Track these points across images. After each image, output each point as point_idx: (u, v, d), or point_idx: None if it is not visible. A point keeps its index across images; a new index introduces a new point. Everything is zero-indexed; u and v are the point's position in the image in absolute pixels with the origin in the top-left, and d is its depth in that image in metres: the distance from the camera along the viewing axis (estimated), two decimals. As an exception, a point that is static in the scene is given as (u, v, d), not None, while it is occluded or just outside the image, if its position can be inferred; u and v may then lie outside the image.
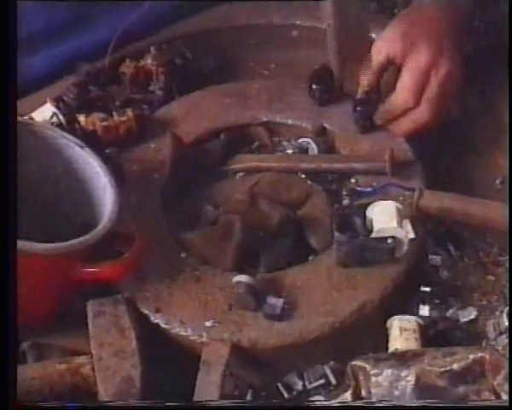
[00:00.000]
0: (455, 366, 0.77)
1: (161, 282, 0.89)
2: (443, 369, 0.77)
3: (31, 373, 0.83)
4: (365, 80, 1.05)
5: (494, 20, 1.22)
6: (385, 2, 1.32)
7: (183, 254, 0.92)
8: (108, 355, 0.83)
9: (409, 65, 1.02)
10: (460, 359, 0.77)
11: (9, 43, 0.79)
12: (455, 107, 1.07)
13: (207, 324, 0.85)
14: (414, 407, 0.75)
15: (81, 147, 0.94)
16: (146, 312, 0.87)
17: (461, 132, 1.08)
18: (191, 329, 0.85)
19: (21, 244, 0.80)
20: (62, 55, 1.17)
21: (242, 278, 0.85)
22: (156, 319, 0.87)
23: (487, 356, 0.76)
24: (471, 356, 0.77)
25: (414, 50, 1.02)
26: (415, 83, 1.01)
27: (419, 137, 1.03)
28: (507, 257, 0.95)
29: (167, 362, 0.85)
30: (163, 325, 0.86)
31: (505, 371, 0.75)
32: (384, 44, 1.04)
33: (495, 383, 0.75)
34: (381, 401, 0.77)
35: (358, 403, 0.77)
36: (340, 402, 0.77)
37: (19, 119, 0.93)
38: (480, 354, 0.77)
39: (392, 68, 1.05)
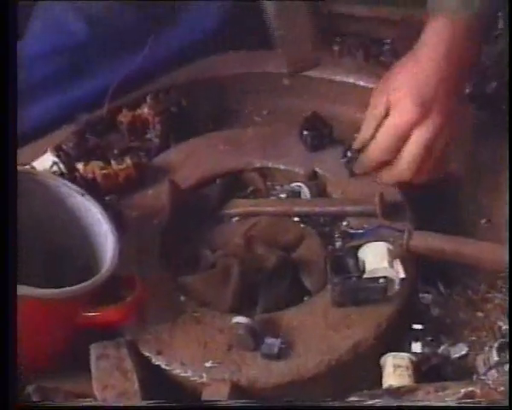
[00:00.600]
0: (447, 400, 0.80)
1: (162, 324, 0.92)
2: (436, 404, 0.80)
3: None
4: (366, 133, 1.04)
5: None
6: (371, 50, 1.37)
7: (182, 298, 0.95)
8: (112, 397, 0.86)
9: (390, 121, 1.01)
10: (452, 393, 0.80)
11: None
12: (455, 163, 1.08)
13: (207, 364, 0.88)
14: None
15: (82, 195, 0.98)
16: (147, 354, 0.90)
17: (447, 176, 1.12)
18: (192, 370, 0.88)
19: (25, 290, 0.83)
20: (61, 105, 1.20)
21: (241, 319, 0.88)
22: (158, 360, 0.89)
23: (478, 390, 0.79)
24: (462, 390, 0.80)
25: (398, 106, 1.00)
26: (390, 141, 1.00)
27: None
28: (495, 294, 0.99)
29: (169, 403, 0.88)
30: (164, 367, 0.89)
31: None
32: (379, 96, 1.03)
33: (486, 416, 0.79)
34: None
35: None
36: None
37: (22, 168, 0.97)
38: (470, 389, 0.80)
39: None
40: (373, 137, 1.03)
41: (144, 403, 0.84)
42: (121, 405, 0.83)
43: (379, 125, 1.03)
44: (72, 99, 1.21)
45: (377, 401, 0.81)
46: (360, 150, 1.06)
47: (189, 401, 0.87)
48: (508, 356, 0.90)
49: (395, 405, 0.79)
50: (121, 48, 1.20)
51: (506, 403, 0.77)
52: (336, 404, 0.83)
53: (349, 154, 1.07)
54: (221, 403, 0.83)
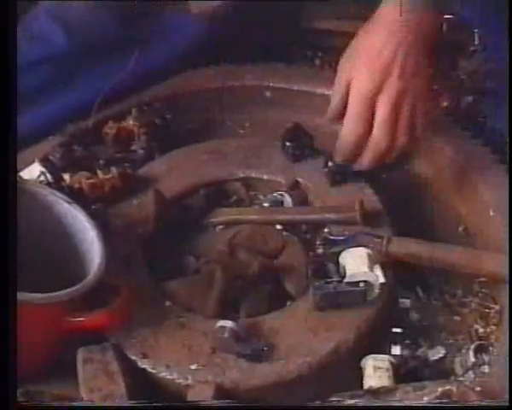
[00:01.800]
0: (425, 399, 0.82)
1: (147, 329, 0.94)
2: (414, 402, 0.82)
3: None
4: (333, 106, 1.06)
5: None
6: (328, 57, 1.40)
7: (167, 303, 0.97)
8: (98, 400, 0.87)
9: (352, 93, 1.01)
10: (429, 392, 0.83)
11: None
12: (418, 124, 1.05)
13: (192, 367, 0.90)
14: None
15: (69, 203, 1.00)
16: (133, 357, 0.92)
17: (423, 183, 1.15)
18: (177, 372, 0.90)
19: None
20: (46, 116, 1.22)
21: (225, 322, 0.90)
22: (143, 364, 0.91)
23: (454, 389, 0.82)
24: (439, 389, 0.82)
25: (357, 77, 1.01)
26: (357, 111, 1.01)
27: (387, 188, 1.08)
28: (471, 298, 1.02)
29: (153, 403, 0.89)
30: (150, 370, 0.91)
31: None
32: (340, 72, 1.04)
33: (462, 413, 0.81)
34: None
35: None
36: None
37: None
38: (447, 387, 0.82)
39: None
40: (339, 109, 1.04)
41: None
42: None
43: (343, 99, 1.04)
44: (56, 110, 1.22)
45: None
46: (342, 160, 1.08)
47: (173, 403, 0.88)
48: (486, 358, 0.93)
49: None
50: (104, 59, 1.22)
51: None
52: (318, 404, 0.85)
53: (330, 164, 1.10)
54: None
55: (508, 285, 0.96)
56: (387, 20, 1.01)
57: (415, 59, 1.01)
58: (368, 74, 1.00)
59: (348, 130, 1.04)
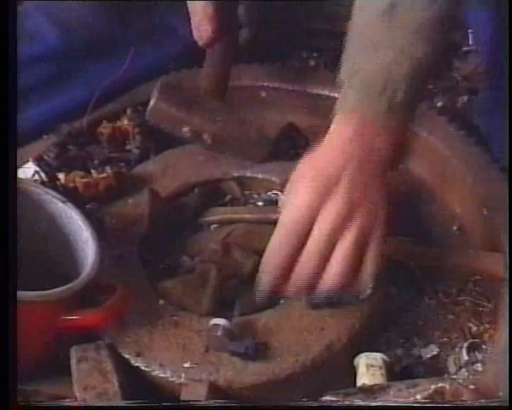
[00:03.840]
0: (418, 397, 0.82)
1: (141, 328, 0.94)
2: (407, 400, 0.82)
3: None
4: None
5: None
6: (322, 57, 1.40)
7: (161, 302, 0.97)
8: (92, 398, 0.87)
9: (285, 212, 0.90)
10: (422, 390, 0.83)
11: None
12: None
13: (186, 365, 0.90)
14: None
15: (63, 202, 1.00)
16: (127, 356, 0.91)
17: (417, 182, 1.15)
18: (170, 371, 0.90)
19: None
20: (40, 114, 1.22)
21: (219, 320, 0.90)
22: (137, 362, 0.91)
23: (447, 386, 0.82)
24: (432, 386, 0.82)
25: (294, 193, 0.88)
26: (289, 237, 0.88)
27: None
28: (465, 297, 1.02)
29: (148, 403, 0.90)
30: (144, 368, 0.91)
31: (464, 399, 0.81)
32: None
33: (455, 410, 0.81)
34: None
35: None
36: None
37: (4, 177, 0.99)
38: (440, 385, 0.82)
39: None
40: None
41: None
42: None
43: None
44: (50, 109, 1.22)
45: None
46: None
47: (167, 402, 0.88)
48: (479, 356, 0.94)
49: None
50: (98, 57, 1.22)
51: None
52: (312, 404, 0.85)
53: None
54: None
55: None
56: (334, 140, 0.91)
57: (368, 179, 0.88)
58: (304, 188, 0.87)
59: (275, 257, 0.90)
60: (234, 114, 1.17)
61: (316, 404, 0.86)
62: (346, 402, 0.84)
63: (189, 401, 0.85)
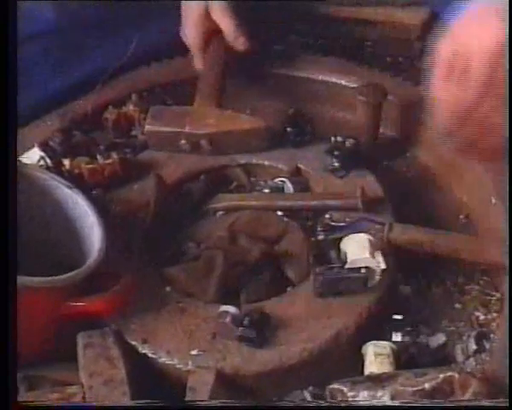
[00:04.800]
0: (426, 386, 0.82)
1: (147, 314, 0.93)
2: (415, 388, 0.82)
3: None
4: None
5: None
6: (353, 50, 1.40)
7: (167, 288, 0.96)
8: (98, 384, 0.87)
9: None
10: (431, 378, 0.82)
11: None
12: None
13: (193, 352, 0.90)
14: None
15: (69, 188, 0.99)
16: (134, 343, 0.91)
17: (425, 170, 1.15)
18: (177, 358, 0.90)
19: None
20: (39, 93, 1.20)
21: (227, 308, 0.90)
22: (144, 349, 0.91)
23: (456, 375, 0.82)
24: (441, 375, 0.82)
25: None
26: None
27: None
28: (473, 285, 1.01)
29: (155, 390, 0.89)
30: (150, 355, 0.90)
31: (472, 388, 0.81)
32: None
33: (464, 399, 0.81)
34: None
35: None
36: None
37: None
38: (449, 374, 0.82)
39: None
40: None
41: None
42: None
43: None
44: (48, 88, 1.21)
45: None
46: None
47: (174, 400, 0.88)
48: (487, 345, 0.93)
49: (396, 405, 0.81)
50: (97, 36, 1.22)
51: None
52: (313, 404, 0.85)
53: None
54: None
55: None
56: None
57: None
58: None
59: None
60: (225, 110, 1.17)
61: (314, 404, 0.86)
62: (353, 392, 0.83)
63: (194, 401, 0.85)
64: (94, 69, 1.19)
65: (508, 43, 1.02)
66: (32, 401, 0.84)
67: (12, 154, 0.85)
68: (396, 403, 0.82)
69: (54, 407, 0.83)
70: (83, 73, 1.21)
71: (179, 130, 1.13)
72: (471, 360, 0.92)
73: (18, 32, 1.08)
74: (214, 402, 0.84)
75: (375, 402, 0.82)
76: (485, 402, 0.80)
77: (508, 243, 0.96)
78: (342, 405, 0.83)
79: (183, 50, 1.26)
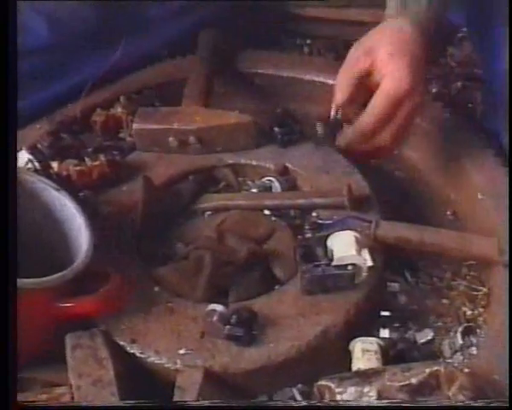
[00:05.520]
0: (413, 380, 0.82)
1: (136, 314, 0.94)
2: (402, 383, 0.82)
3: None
4: (339, 96, 1.02)
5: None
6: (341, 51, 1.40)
7: (156, 288, 0.97)
8: (87, 385, 0.87)
9: (386, 87, 0.96)
10: (417, 373, 0.83)
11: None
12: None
13: (181, 352, 0.90)
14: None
15: (57, 190, 1.00)
16: (122, 343, 0.91)
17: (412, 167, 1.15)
18: (166, 357, 0.90)
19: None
20: (32, 104, 1.21)
21: (216, 306, 0.90)
22: (132, 349, 0.91)
23: (442, 369, 0.82)
24: (427, 370, 0.82)
25: (396, 73, 0.95)
26: (385, 109, 0.97)
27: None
28: (460, 281, 1.02)
29: (144, 390, 0.90)
30: (139, 355, 0.91)
31: (459, 382, 0.81)
32: (367, 52, 0.98)
33: (450, 393, 0.81)
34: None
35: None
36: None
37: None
38: (435, 368, 0.82)
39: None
40: (352, 96, 1.00)
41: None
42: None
43: (358, 85, 1.00)
44: (42, 99, 1.22)
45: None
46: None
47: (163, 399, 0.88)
48: (474, 340, 0.94)
49: (396, 405, 0.81)
50: (89, 49, 1.22)
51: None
52: (308, 404, 0.85)
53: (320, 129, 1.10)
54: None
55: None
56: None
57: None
58: (408, 73, 0.96)
59: (367, 123, 1.00)
60: (212, 108, 1.18)
61: (304, 404, 0.86)
62: (340, 388, 0.84)
63: (183, 400, 0.85)
64: (82, 81, 1.19)
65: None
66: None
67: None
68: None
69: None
70: (69, 86, 1.21)
71: (167, 127, 1.13)
72: (458, 354, 0.93)
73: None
74: (203, 402, 0.85)
75: (365, 400, 0.83)
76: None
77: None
78: (332, 404, 0.83)
79: (172, 53, 1.27)
